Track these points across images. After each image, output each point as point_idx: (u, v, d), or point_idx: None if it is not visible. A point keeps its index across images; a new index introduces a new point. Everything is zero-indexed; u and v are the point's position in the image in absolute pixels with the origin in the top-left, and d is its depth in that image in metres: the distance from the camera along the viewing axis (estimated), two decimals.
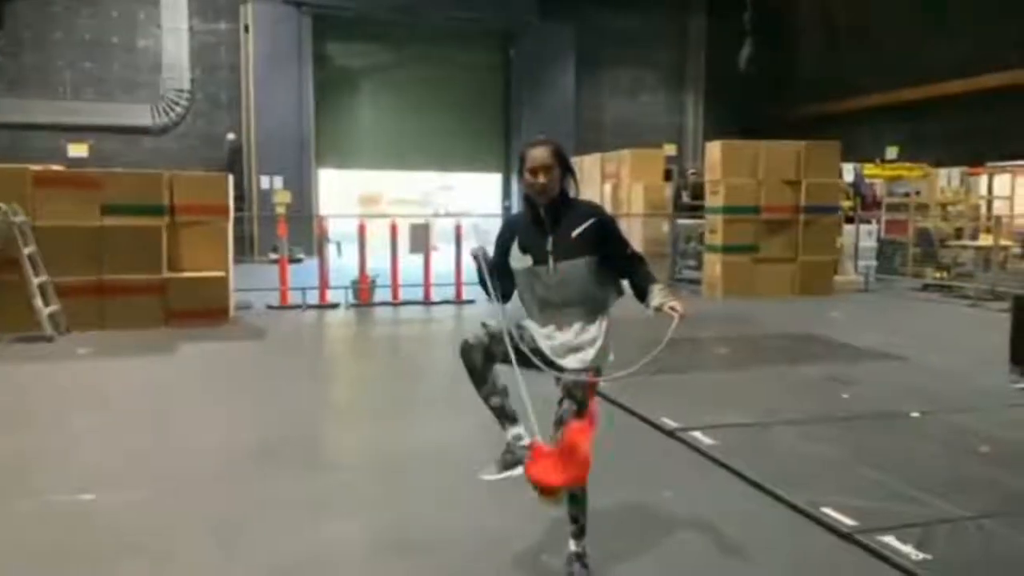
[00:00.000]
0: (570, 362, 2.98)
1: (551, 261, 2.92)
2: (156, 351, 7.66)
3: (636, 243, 12.54)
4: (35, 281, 7.99)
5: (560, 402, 2.99)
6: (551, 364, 2.99)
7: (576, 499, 3.07)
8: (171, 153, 18.15)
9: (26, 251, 8.00)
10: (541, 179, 2.92)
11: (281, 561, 3.38)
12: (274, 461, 4.63)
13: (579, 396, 2.98)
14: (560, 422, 2.97)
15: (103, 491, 4.09)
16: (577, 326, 2.99)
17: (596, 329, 3.01)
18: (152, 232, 8.71)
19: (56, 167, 12.88)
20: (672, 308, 2.92)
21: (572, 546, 3.11)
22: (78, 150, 16.95)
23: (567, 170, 3.00)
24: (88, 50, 18.13)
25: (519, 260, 2.97)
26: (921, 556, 3.26)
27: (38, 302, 7.94)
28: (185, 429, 5.33)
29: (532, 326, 3.05)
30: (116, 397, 6.10)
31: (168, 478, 4.32)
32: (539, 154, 2.94)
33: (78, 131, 17.58)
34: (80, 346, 7.76)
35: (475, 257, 3.10)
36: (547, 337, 3.00)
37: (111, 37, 18.29)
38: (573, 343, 2.99)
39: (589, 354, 2.99)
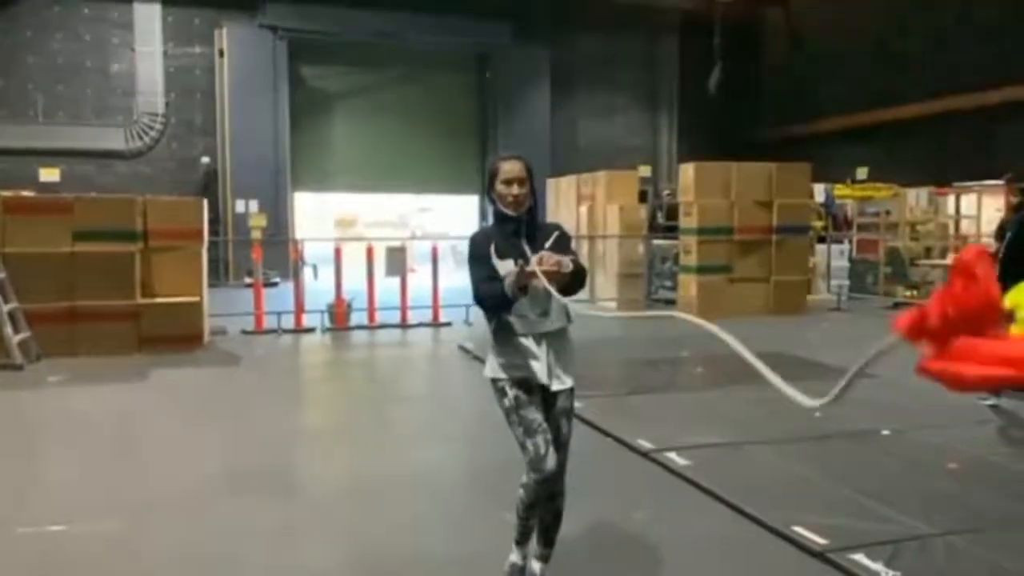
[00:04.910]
0: (566, 382, 3.00)
1: (538, 273, 2.92)
2: (129, 378, 7.58)
3: (612, 263, 12.78)
4: (4, 308, 7.89)
5: (556, 428, 3.00)
6: (544, 389, 2.99)
7: (558, 518, 3.10)
8: (145, 177, 18.03)
9: None
10: (516, 190, 2.97)
11: None
12: (247, 488, 4.59)
13: (571, 419, 3.05)
14: (561, 446, 3.00)
15: (74, 522, 4.04)
16: (563, 338, 3.02)
17: (572, 344, 3.07)
18: (125, 258, 8.63)
19: (27, 192, 12.77)
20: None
21: (537, 570, 3.12)
22: (50, 175, 16.78)
23: (533, 185, 3.05)
24: (61, 74, 18.01)
25: (501, 266, 2.94)
26: (891, 573, 3.31)
27: (8, 330, 7.83)
28: (158, 457, 5.28)
29: (522, 347, 2.97)
30: (88, 426, 6.03)
31: (140, 508, 4.28)
32: (514, 166, 3.00)
33: (50, 155, 17.42)
34: (51, 374, 7.66)
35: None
36: (537, 356, 2.96)
37: (84, 61, 18.19)
38: (563, 357, 3.01)
39: (573, 371, 3.03)
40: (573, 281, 2.86)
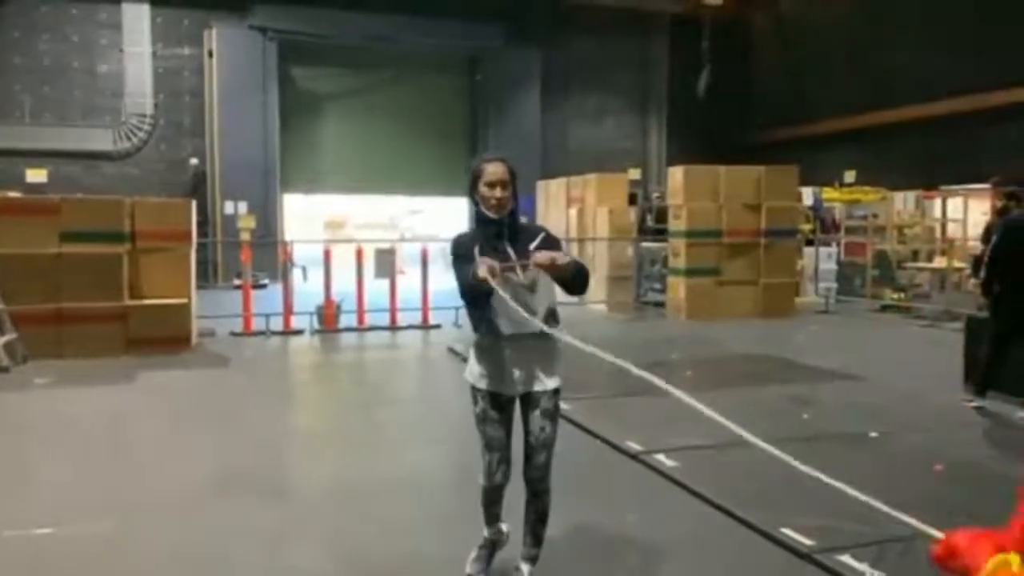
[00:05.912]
0: (547, 384, 3.03)
1: (518, 268, 2.93)
2: (116, 380, 7.54)
3: (602, 266, 12.79)
4: None
5: (533, 431, 3.04)
6: (527, 395, 3.05)
7: (544, 517, 3.12)
8: (133, 179, 17.94)
9: None
10: (498, 192, 2.98)
11: None
12: (238, 490, 4.58)
13: (555, 420, 3.06)
14: (543, 446, 3.02)
15: (60, 525, 4.02)
16: (549, 340, 3.00)
17: (558, 346, 3.07)
18: (112, 259, 8.58)
19: (13, 193, 12.68)
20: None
21: (525, 571, 3.13)
22: (37, 176, 16.67)
23: (515, 187, 3.05)
24: (48, 74, 17.90)
25: None
26: (876, 574, 3.34)
27: None
28: (147, 459, 5.26)
29: (503, 354, 3.02)
30: (74, 428, 5.99)
31: (128, 511, 4.26)
32: (497, 168, 3.01)
33: (37, 156, 17.30)
34: (38, 376, 7.60)
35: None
36: (516, 363, 3.00)
37: (72, 62, 18.09)
38: (547, 359, 3.03)
39: (559, 372, 3.05)
40: (576, 279, 2.90)
